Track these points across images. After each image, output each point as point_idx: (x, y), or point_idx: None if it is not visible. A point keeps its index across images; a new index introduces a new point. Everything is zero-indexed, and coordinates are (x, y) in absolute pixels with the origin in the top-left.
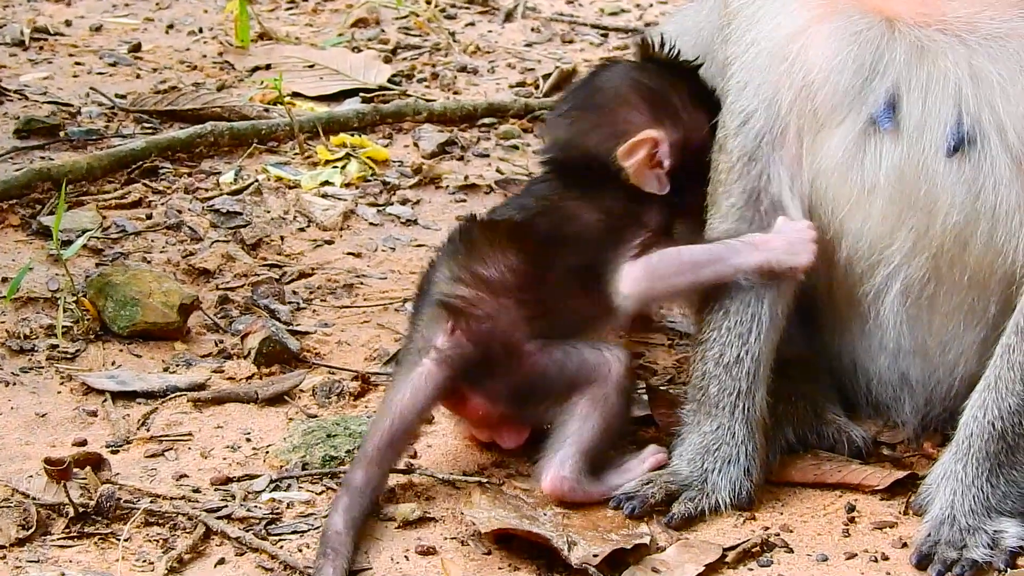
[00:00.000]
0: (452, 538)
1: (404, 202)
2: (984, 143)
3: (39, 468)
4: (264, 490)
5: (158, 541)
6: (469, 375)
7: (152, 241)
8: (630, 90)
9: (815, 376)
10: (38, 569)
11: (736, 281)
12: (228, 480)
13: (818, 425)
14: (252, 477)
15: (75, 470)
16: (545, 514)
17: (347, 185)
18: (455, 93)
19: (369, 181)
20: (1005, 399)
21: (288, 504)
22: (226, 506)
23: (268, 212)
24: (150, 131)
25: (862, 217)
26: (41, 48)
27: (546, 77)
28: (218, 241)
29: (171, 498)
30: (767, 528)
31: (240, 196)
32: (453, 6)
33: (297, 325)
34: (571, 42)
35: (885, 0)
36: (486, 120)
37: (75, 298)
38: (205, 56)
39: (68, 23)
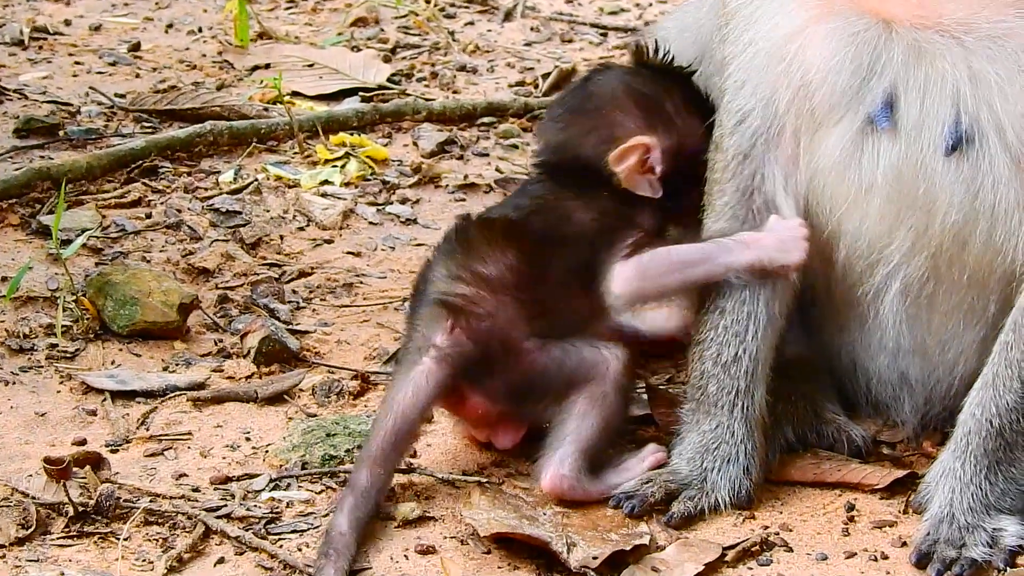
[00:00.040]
0: (452, 537)
1: (403, 201)
2: (982, 142)
3: (39, 467)
4: (264, 489)
5: (158, 540)
6: (469, 373)
7: (152, 240)
8: (623, 95)
9: (815, 375)
10: (38, 568)
11: (730, 280)
12: (228, 479)
13: (818, 424)
14: (252, 476)
15: (75, 469)
16: (545, 513)
17: (346, 184)
18: (454, 92)
19: (368, 180)
20: (1002, 396)
21: (288, 503)
22: (225, 505)
23: (267, 211)
24: (149, 130)
25: (860, 216)
26: (41, 47)
27: (545, 76)
28: (218, 240)
29: (171, 497)
30: (767, 527)
31: (240, 195)
32: (452, 5)
33: (297, 324)
34: (570, 41)
35: (882, 2)
36: (485, 119)
37: (75, 297)
38: (204, 55)
39: (68, 22)
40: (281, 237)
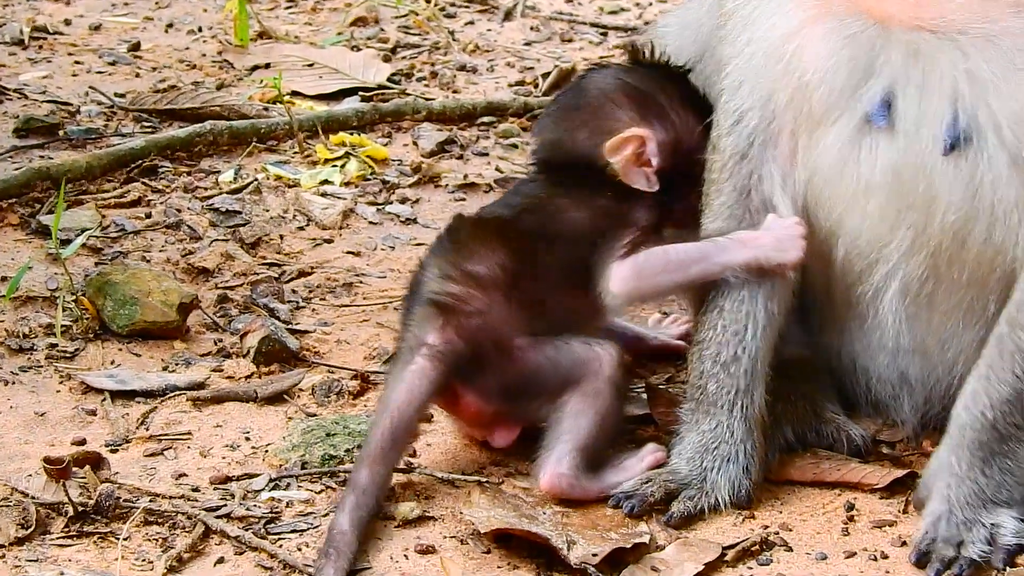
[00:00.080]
0: (451, 537)
1: (403, 201)
2: (980, 141)
3: (38, 467)
4: (263, 489)
5: (157, 540)
6: (462, 372)
7: (151, 240)
8: (618, 91)
9: (814, 375)
10: (37, 568)
11: (729, 279)
12: (227, 479)
13: (817, 424)
14: (251, 476)
15: (74, 469)
16: (544, 513)
17: (346, 184)
18: (454, 92)
19: (368, 180)
20: (996, 388)
21: (287, 503)
22: (225, 505)
23: (267, 211)
24: (149, 130)
25: (859, 215)
26: (40, 47)
27: (545, 76)
28: (217, 240)
29: (170, 497)
30: (766, 527)
31: (239, 195)
32: (452, 5)
33: (296, 324)
34: (570, 41)
35: (878, 2)
36: (485, 119)
37: (74, 297)
38: (204, 55)
39: (67, 22)
40: (281, 237)
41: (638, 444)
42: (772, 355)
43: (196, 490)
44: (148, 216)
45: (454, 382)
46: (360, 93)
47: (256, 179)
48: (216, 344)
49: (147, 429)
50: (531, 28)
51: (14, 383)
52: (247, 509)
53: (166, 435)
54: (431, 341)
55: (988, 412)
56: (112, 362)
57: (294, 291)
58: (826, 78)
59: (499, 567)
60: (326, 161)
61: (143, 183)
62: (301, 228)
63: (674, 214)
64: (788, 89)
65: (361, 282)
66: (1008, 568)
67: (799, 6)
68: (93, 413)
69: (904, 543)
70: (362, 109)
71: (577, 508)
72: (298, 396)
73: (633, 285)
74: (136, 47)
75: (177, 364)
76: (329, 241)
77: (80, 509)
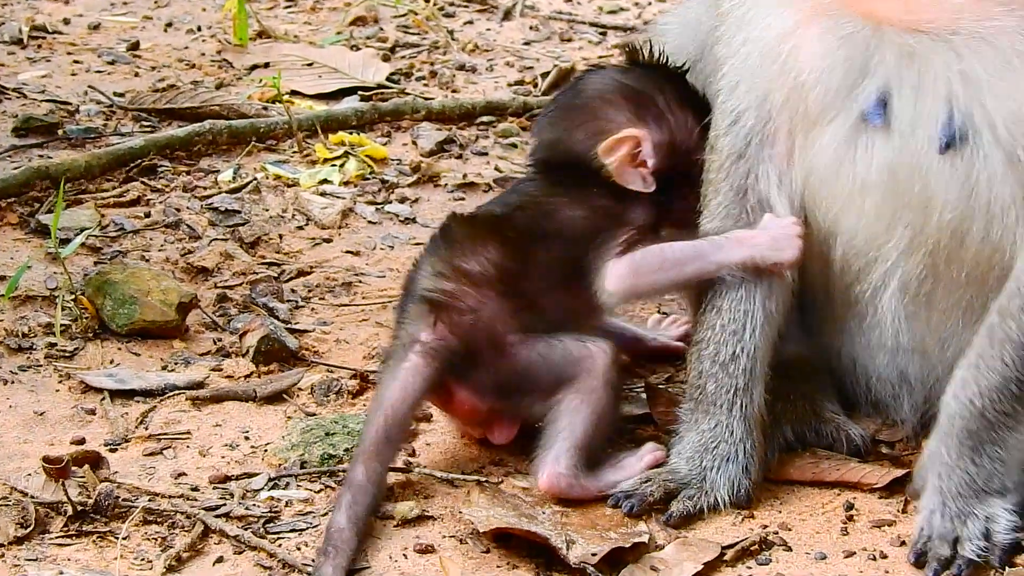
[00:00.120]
0: (451, 536)
1: (403, 200)
2: (976, 139)
3: (37, 466)
4: (263, 488)
5: (156, 539)
6: (455, 368)
7: (151, 239)
8: (614, 91)
9: (813, 374)
10: (36, 567)
11: (727, 279)
12: (227, 478)
13: (817, 423)
14: (250, 475)
15: (73, 468)
16: (544, 512)
17: (346, 183)
18: (454, 91)
19: (368, 179)
20: (985, 376)
21: (287, 502)
22: (224, 504)
23: (267, 210)
24: (148, 129)
25: (856, 214)
26: (40, 46)
27: (544, 75)
28: (217, 239)
29: (169, 496)
30: (766, 526)
31: (239, 194)
32: (452, 4)
33: (295, 323)
34: (570, 40)
35: (873, 2)
36: (485, 118)
37: (73, 296)
38: (203, 54)
39: (67, 21)
40: (280, 236)
41: (637, 443)
42: (771, 354)
43: (195, 489)
44: (147, 215)
45: (448, 379)
46: (359, 92)
47: (255, 178)
48: (215, 343)
49: (146, 428)
50: (530, 27)
51: (13, 382)
52: (246, 508)
53: (165, 434)
54: (424, 338)
55: (977, 400)
56: (111, 361)
57: (293, 290)
58: (822, 78)
59: (498, 566)
60: (325, 160)
61: (142, 182)
62: (300, 227)
63: (672, 214)
64: (784, 89)
65: (360, 281)
66: (1007, 568)
67: (794, 6)
68: (92, 412)
69: (903, 543)
70: (361, 108)
71: (576, 507)
72: (297, 395)
73: (629, 283)
74: (135, 46)
75: (176, 363)
76: (328, 240)
77: (79, 508)
